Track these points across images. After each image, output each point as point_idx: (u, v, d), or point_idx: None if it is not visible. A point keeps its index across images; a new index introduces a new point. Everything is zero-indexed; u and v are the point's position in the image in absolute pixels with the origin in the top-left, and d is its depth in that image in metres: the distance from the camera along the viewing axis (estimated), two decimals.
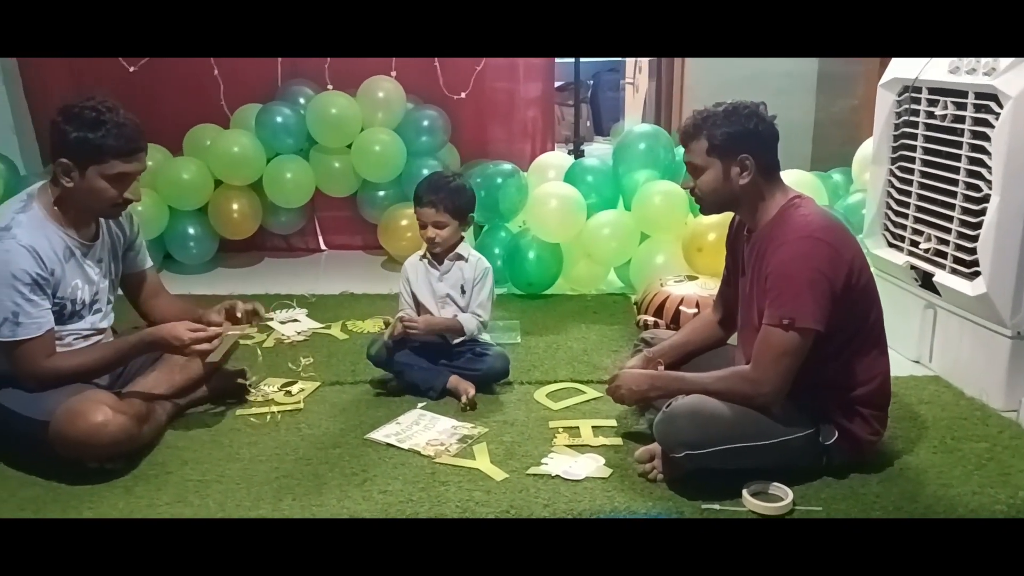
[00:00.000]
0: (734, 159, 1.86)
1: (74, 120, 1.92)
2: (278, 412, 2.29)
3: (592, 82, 7.49)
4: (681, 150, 3.54)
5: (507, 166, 3.50)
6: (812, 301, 1.76)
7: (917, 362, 2.59)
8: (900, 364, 2.58)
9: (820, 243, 1.79)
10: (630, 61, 5.62)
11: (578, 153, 4.00)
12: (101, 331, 2.14)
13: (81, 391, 1.96)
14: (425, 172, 3.64)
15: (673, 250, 3.20)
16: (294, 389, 2.45)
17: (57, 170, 1.96)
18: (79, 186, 1.96)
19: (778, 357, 1.80)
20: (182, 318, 2.16)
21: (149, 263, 2.32)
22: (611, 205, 3.41)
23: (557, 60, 4.30)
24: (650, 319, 2.81)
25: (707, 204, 1.96)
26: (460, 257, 2.47)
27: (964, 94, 2.24)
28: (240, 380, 2.39)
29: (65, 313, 2.03)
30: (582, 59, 4.30)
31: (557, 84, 4.58)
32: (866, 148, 3.30)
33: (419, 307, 2.47)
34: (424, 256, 2.49)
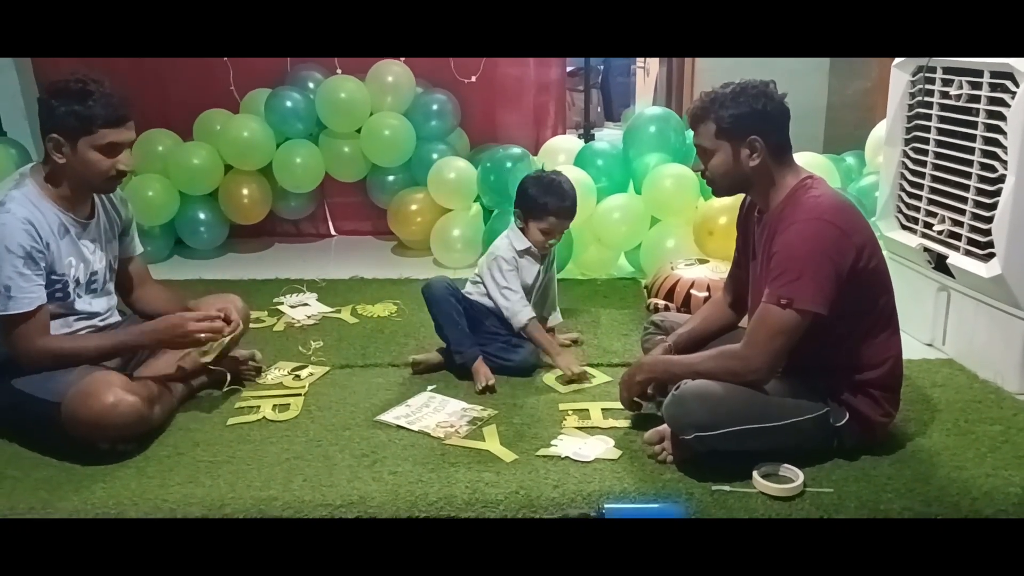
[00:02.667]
0: (743, 141, 1.84)
1: (61, 94, 1.93)
2: (275, 409, 2.23)
3: (603, 67, 7.45)
4: (691, 133, 3.55)
5: (517, 150, 3.50)
6: (814, 283, 1.74)
7: (930, 345, 2.57)
8: (913, 347, 2.57)
9: (828, 225, 1.76)
10: None
11: (588, 138, 3.98)
12: (96, 314, 2.13)
13: (92, 372, 1.97)
14: (435, 157, 3.65)
15: (684, 234, 3.19)
16: (303, 373, 2.45)
17: (48, 146, 1.96)
18: (71, 160, 1.97)
19: (772, 335, 1.78)
20: (170, 309, 2.19)
21: (139, 249, 2.33)
22: (621, 189, 3.40)
23: None
24: (661, 303, 2.80)
25: (718, 187, 1.94)
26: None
27: (979, 73, 2.21)
28: (252, 363, 2.40)
29: (58, 293, 2.02)
30: None
31: (568, 69, 4.56)
32: (879, 130, 3.27)
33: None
34: (527, 250, 2.49)
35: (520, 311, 2.42)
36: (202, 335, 2.06)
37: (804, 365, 1.86)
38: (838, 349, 1.85)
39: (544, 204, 2.42)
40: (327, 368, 2.49)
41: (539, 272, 2.52)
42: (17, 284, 1.91)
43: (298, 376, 2.43)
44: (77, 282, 2.07)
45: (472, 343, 2.38)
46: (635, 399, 2.06)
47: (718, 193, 1.97)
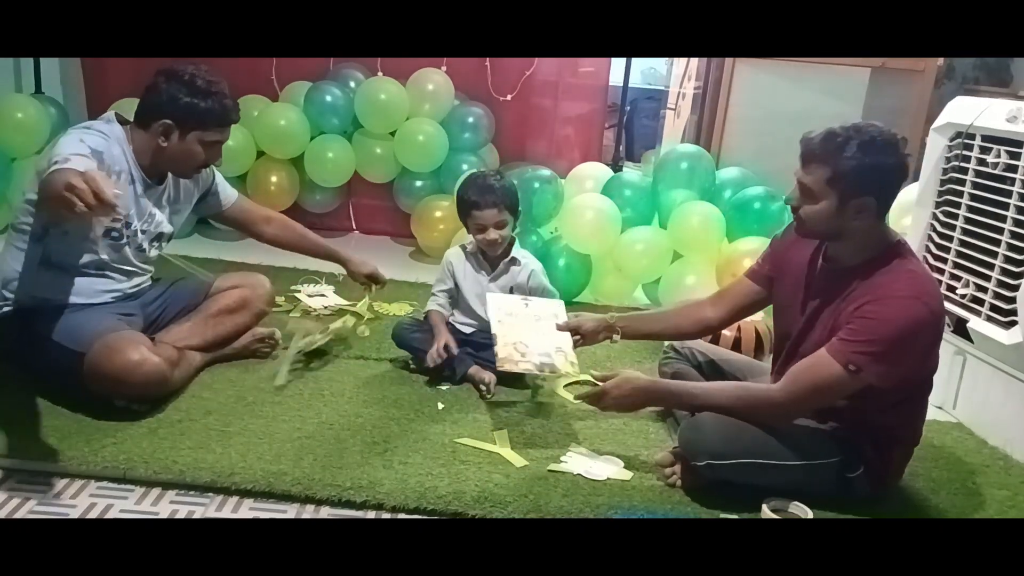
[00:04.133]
0: (855, 197, 1.70)
1: (185, 86, 1.99)
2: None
3: (629, 108, 7.53)
4: (721, 174, 3.58)
5: (545, 172, 3.53)
6: (890, 362, 1.69)
7: (940, 408, 2.58)
8: None
9: (926, 309, 1.70)
10: (673, 89, 5.65)
11: (617, 169, 4.03)
12: (140, 274, 2.18)
13: (117, 329, 1.97)
14: (465, 168, 3.69)
15: (704, 272, 3.20)
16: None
17: (156, 128, 2.00)
18: (174, 147, 2.03)
19: (820, 390, 1.75)
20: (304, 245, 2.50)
21: (232, 196, 2.41)
22: (646, 221, 3.43)
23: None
24: None
25: (807, 230, 1.82)
26: (515, 262, 2.46)
27: (1019, 144, 2.25)
28: (269, 340, 2.41)
29: (114, 232, 2.05)
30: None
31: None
32: (906, 194, 3.30)
33: (461, 301, 2.49)
34: (473, 254, 2.48)
35: (428, 303, 2.51)
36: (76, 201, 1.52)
37: (833, 413, 1.85)
38: (883, 414, 1.83)
39: (465, 199, 2.39)
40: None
41: (484, 283, 2.44)
42: (78, 159, 1.75)
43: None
44: (140, 233, 2.10)
45: (459, 359, 2.38)
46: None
47: (803, 233, 1.85)
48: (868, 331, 1.70)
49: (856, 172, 1.68)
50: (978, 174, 2.43)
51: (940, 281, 2.57)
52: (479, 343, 2.45)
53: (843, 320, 1.75)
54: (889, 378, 1.71)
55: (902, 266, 1.75)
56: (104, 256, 2.04)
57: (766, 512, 1.80)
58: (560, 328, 2.12)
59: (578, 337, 2.11)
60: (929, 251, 2.64)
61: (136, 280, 2.17)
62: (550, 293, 2.49)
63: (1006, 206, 2.29)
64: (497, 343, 2.09)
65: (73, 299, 2.01)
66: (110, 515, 1.64)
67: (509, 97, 4.06)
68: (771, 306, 2.05)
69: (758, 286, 2.04)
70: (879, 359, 1.69)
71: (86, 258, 2.02)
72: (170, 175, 2.16)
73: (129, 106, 3.57)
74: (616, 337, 2.08)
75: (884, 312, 1.69)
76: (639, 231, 3.34)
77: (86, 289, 2.03)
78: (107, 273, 2.07)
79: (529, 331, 2.14)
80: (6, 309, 2.01)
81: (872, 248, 1.77)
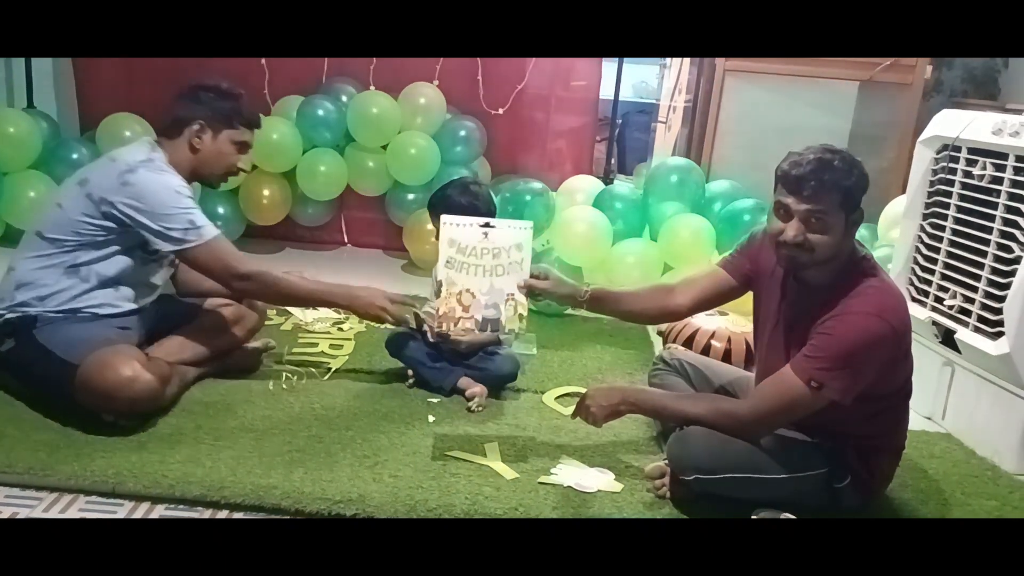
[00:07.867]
0: (852, 213, 1.73)
1: (212, 91, 2.17)
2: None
3: (620, 121, 7.57)
4: (711, 186, 3.59)
5: (537, 184, 3.55)
6: (850, 378, 1.71)
7: (929, 419, 2.59)
8: (911, 419, 2.55)
9: (887, 326, 1.71)
10: (664, 102, 5.69)
11: (608, 182, 4.05)
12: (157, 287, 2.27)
13: (113, 343, 1.98)
14: None
15: None
16: (345, 326, 2.90)
17: (193, 130, 2.14)
18: (209, 148, 2.17)
19: (784, 407, 1.76)
20: (216, 289, 2.26)
21: None
22: (637, 234, 3.45)
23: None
24: (680, 348, 2.78)
25: (807, 261, 1.75)
26: None
27: (1005, 156, 2.28)
28: (263, 354, 2.42)
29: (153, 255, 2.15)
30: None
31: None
32: (894, 206, 3.34)
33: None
34: None
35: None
36: (388, 318, 2.22)
37: (815, 427, 1.86)
38: (860, 424, 1.84)
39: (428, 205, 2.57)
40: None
41: None
42: (199, 214, 2.06)
43: (341, 328, 2.88)
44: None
45: (448, 371, 2.40)
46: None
47: (799, 268, 1.79)
48: (827, 347, 1.71)
49: (855, 188, 1.73)
50: (965, 186, 2.45)
51: (927, 292, 2.59)
52: (467, 352, 2.45)
53: (806, 335, 1.77)
54: (849, 393, 1.72)
55: (867, 282, 1.76)
56: (133, 271, 2.12)
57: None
58: (520, 288, 1.95)
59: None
60: (917, 263, 2.66)
61: (147, 298, 2.21)
62: None
63: (992, 218, 2.31)
64: (440, 294, 1.91)
65: (87, 309, 2.05)
66: None
67: (501, 111, 4.08)
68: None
69: (733, 279, 2.02)
70: (838, 375, 1.70)
71: (114, 270, 2.08)
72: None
73: (120, 120, 3.65)
74: (586, 294, 2.01)
75: (842, 328, 1.71)
76: (630, 243, 3.36)
77: (104, 300, 2.08)
78: (123, 287, 2.11)
79: (483, 273, 1.92)
80: (9, 316, 2.01)
81: (840, 266, 1.79)
